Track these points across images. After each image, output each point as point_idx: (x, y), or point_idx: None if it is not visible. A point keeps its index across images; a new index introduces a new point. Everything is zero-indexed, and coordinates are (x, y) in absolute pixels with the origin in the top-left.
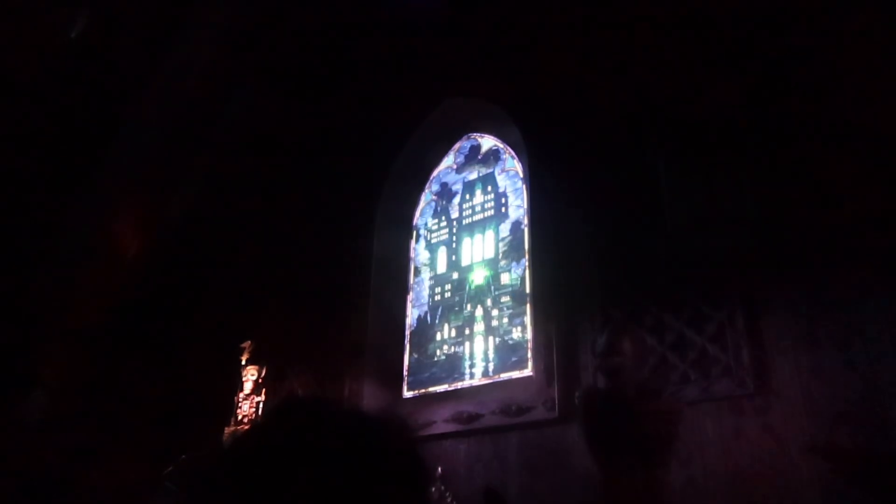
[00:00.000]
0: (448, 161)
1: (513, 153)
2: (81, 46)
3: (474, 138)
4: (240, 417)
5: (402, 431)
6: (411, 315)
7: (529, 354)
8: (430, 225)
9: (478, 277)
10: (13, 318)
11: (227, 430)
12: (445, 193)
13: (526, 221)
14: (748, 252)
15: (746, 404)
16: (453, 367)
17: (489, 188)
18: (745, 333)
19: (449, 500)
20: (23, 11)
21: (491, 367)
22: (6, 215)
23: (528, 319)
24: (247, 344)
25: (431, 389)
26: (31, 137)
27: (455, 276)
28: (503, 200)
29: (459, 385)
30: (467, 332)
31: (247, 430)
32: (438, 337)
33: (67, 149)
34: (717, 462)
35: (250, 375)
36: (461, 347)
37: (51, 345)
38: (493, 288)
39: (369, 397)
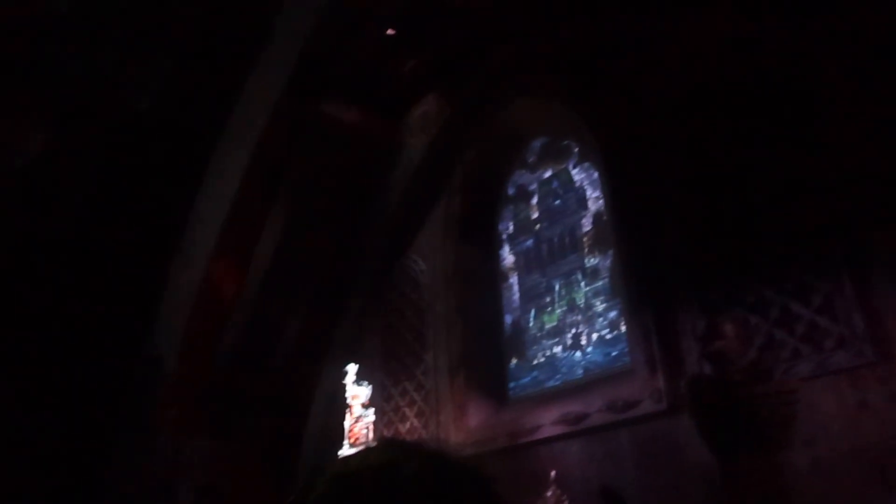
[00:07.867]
0: (521, 162)
1: (585, 144)
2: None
3: (544, 136)
4: (352, 441)
5: (484, 483)
6: (505, 321)
7: (628, 347)
8: (511, 229)
9: (566, 275)
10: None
11: (340, 454)
12: (523, 195)
13: (607, 212)
14: (849, 213)
15: (868, 374)
16: (553, 368)
17: (566, 183)
18: (856, 299)
19: (566, 503)
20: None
21: (591, 363)
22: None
23: (622, 311)
24: (350, 366)
25: (535, 393)
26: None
27: (543, 276)
28: (581, 194)
29: (562, 385)
30: (562, 331)
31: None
32: (535, 340)
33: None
34: (843, 439)
35: (357, 399)
36: (558, 347)
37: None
38: (583, 283)
39: (474, 409)
